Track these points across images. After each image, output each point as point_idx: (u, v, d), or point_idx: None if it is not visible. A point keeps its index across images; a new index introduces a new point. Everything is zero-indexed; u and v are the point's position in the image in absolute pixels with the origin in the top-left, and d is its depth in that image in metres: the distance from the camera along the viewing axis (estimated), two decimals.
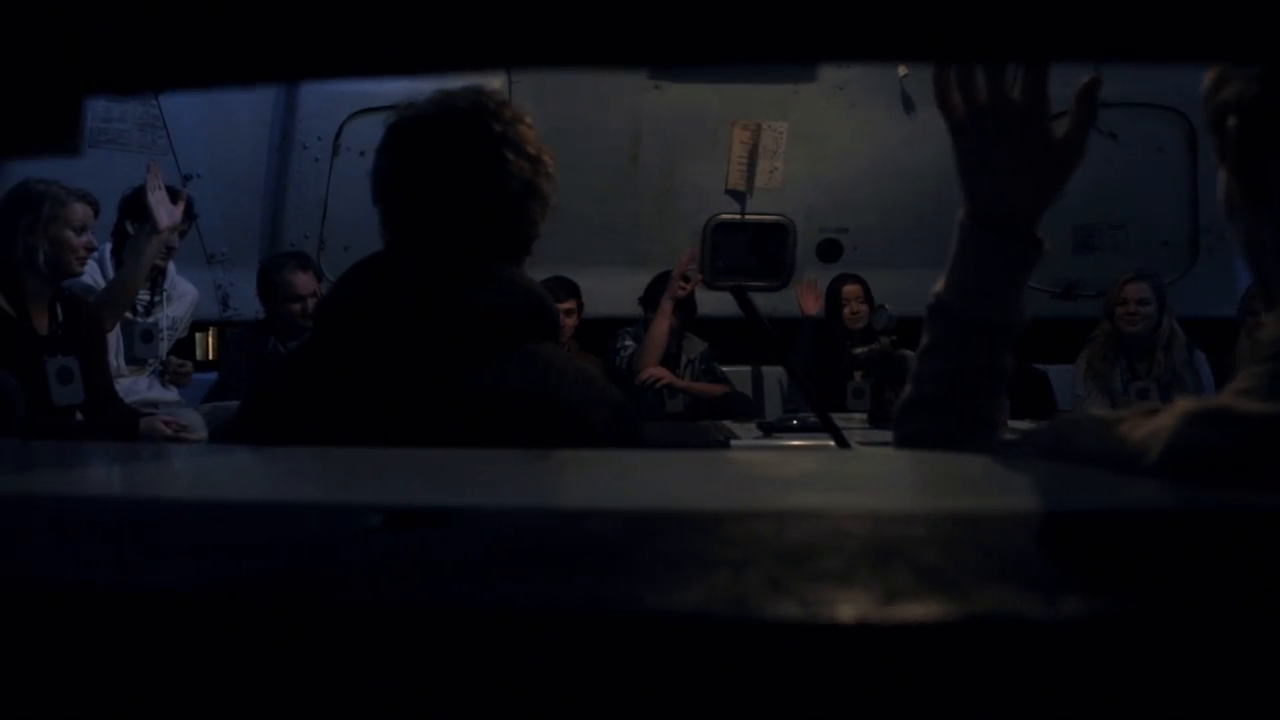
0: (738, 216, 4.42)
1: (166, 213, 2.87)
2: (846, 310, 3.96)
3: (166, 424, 2.47)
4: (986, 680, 0.29)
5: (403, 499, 0.50)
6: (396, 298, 0.99)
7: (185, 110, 3.68)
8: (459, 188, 1.03)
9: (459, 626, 0.31)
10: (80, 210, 2.53)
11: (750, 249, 4.52)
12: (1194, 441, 0.57)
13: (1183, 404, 0.63)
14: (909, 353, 2.88)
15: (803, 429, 2.69)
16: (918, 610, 0.31)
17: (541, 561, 0.37)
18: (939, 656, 0.30)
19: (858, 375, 3.74)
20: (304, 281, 3.48)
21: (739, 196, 4.38)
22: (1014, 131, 0.78)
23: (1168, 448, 0.58)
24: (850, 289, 4.01)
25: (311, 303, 3.48)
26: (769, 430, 2.68)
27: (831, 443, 2.20)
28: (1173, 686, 0.29)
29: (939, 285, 0.82)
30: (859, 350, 3.00)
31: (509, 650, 0.31)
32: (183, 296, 3.51)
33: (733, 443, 2.56)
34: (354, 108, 3.87)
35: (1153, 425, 0.61)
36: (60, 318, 2.52)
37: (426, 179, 1.03)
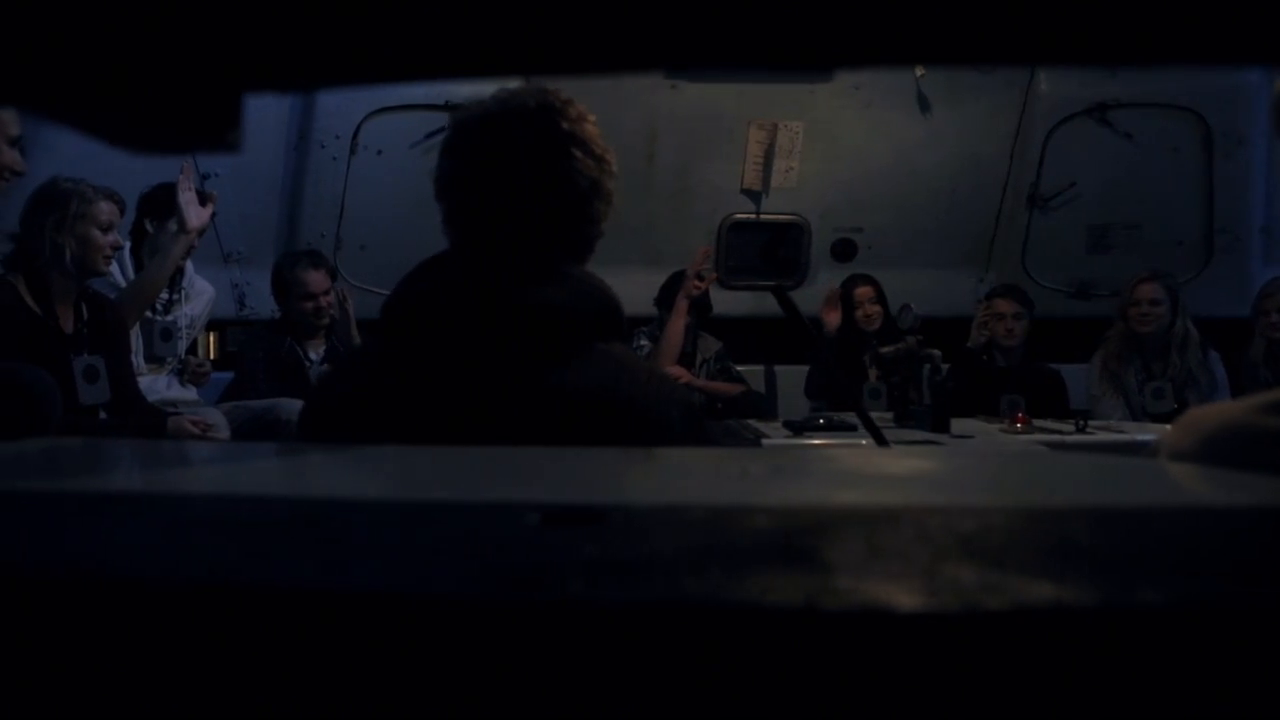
0: (752, 216, 4.42)
1: (195, 214, 2.88)
2: (859, 313, 3.97)
3: (194, 423, 2.47)
4: (1213, 664, 0.30)
5: (544, 497, 0.50)
6: (467, 297, 0.99)
7: None
8: (527, 186, 1.03)
9: (676, 622, 0.31)
10: (107, 209, 2.53)
11: (765, 248, 4.52)
12: None
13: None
14: (936, 351, 2.89)
15: (829, 428, 2.69)
16: (1143, 598, 0.31)
17: (729, 558, 0.37)
18: (1171, 642, 0.30)
19: (873, 375, 3.75)
20: (317, 279, 3.48)
21: (754, 196, 4.39)
22: None
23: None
24: (862, 290, 4.01)
25: (324, 300, 3.48)
26: (798, 429, 2.68)
27: (863, 441, 2.19)
28: None
29: None
30: (885, 349, 3.00)
31: (729, 646, 0.31)
32: (200, 295, 3.51)
33: (764, 441, 2.56)
34: (371, 107, 3.88)
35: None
36: (85, 316, 2.52)
37: (494, 177, 1.03)
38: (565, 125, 1.03)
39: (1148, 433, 2.97)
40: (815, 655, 0.30)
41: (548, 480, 0.55)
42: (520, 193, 1.03)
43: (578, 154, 1.03)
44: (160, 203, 3.25)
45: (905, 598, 0.32)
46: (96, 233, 2.49)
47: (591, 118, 1.08)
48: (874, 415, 3.16)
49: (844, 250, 4.50)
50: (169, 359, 3.29)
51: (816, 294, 4.20)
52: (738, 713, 0.30)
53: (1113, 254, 4.38)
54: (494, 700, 0.31)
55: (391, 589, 0.33)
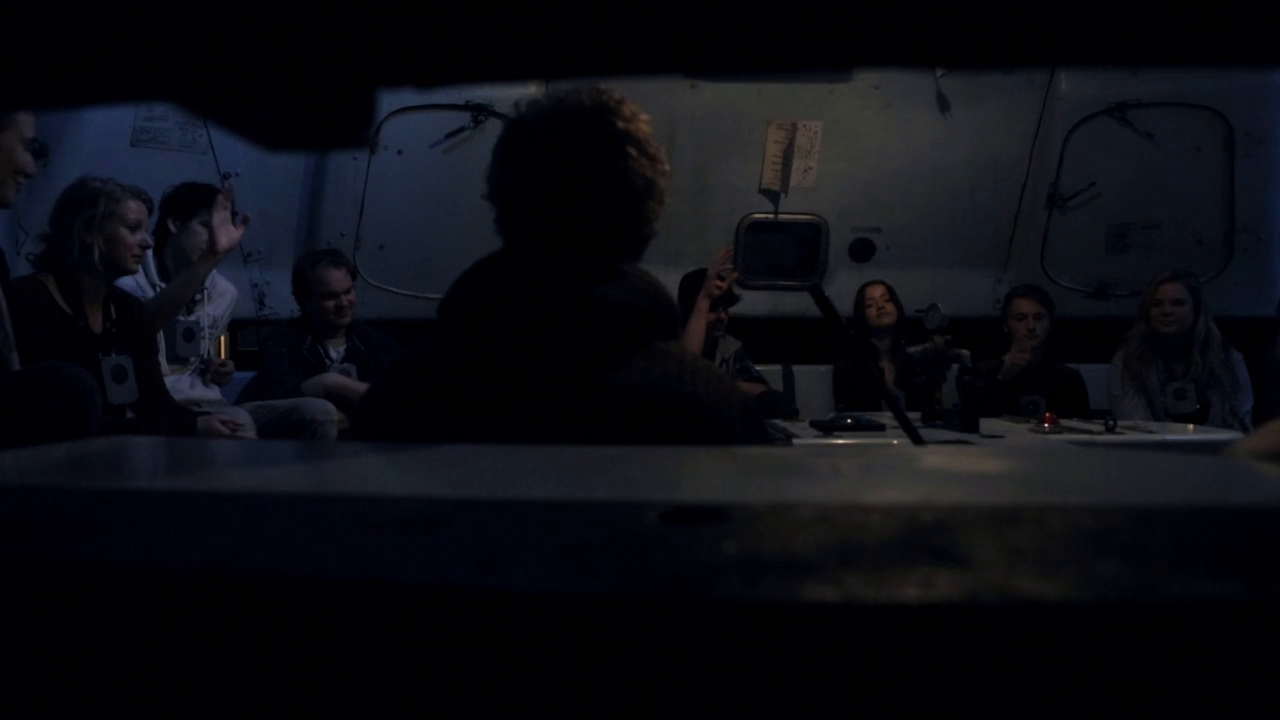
0: (771, 216, 4.42)
1: (226, 235, 2.87)
2: (872, 310, 4.04)
3: (224, 423, 2.47)
4: None
5: (656, 496, 0.50)
6: (528, 295, 0.99)
7: None
8: (582, 185, 1.03)
9: (844, 620, 0.32)
10: (135, 207, 2.54)
11: (783, 248, 4.52)
12: None
13: None
14: (965, 351, 2.88)
15: (857, 427, 2.69)
16: None
17: (871, 556, 0.37)
18: None
19: (891, 382, 3.77)
20: (338, 278, 3.49)
21: (772, 196, 4.39)
22: None
23: None
24: (873, 290, 4.10)
25: (345, 299, 3.49)
26: (827, 429, 2.68)
27: (894, 440, 2.19)
28: None
29: None
30: (913, 349, 2.99)
31: (900, 642, 0.31)
32: (223, 295, 3.53)
33: (794, 441, 2.56)
34: (392, 107, 3.88)
35: None
36: (114, 316, 2.53)
37: (549, 176, 1.04)
38: (620, 124, 1.04)
39: (1171, 432, 2.97)
40: (984, 649, 0.30)
41: (646, 479, 0.55)
42: (575, 192, 1.03)
43: (632, 152, 1.03)
44: (184, 203, 3.27)
45: (1066, 593, 0.32)
46: (125, 231, 2.50)
47: (645, 117, 1.09)
48: (888, 416, 3.17)
49: (862, 250, 4.50)
50: (191, 359, 3.30)
51: (835, 294, 4.20)
52: (915, 709, 0.30)
53: (1132, 254, 4.37)
54: (655, 699, 0.31)
55: (534, 588, 0.33)
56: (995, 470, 0.62)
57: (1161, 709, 0.30)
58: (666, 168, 1.09)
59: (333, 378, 3.34)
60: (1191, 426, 3.19)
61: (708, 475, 0.55)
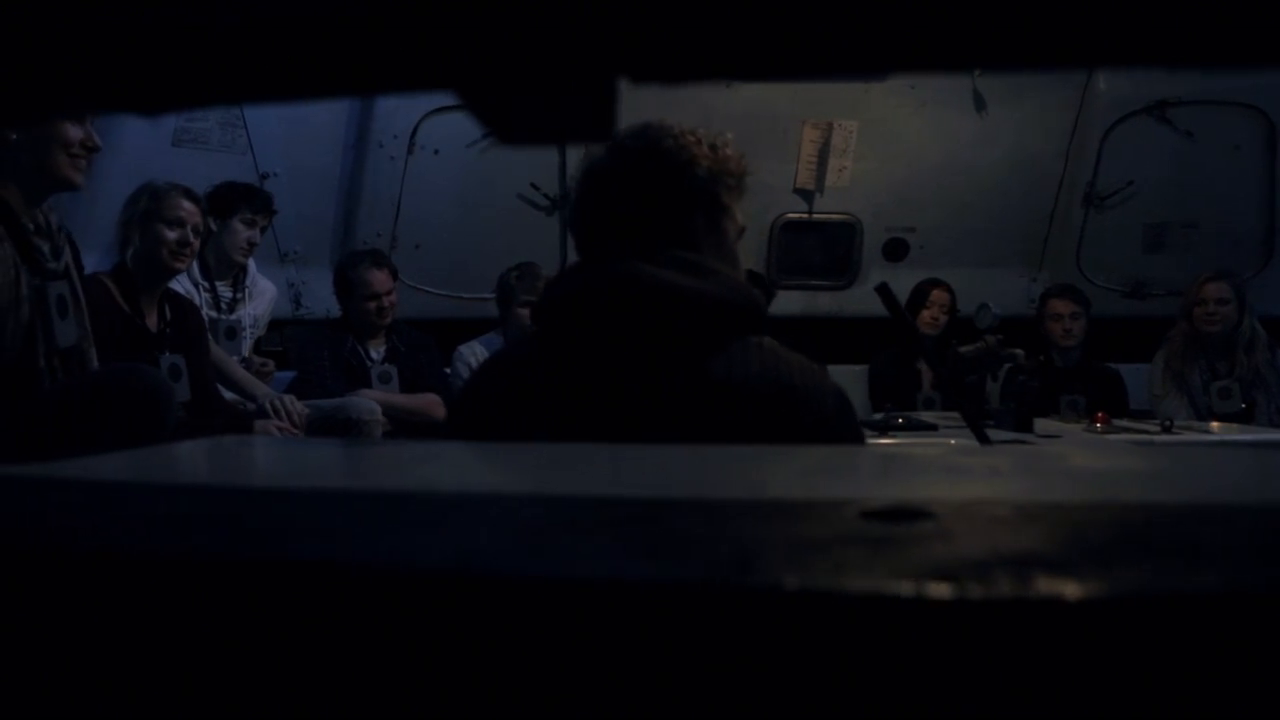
0: (805, 215, 4.41)
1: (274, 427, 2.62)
2: (928, 314, 3.93)
3: (279, 428, 2.48)
4: None
5: (847, 494, 0.50)
6: (617, 290, 1.01)
7: (264, 109, 3.71)
8: (632, 197, 1.09)
9: (1106, 616, 0.32)
10: (177, 205, 2.54)
11: (817, 248, 4.51)
12: None
13: None
14: (1019, 351, 2.88)
15: (909, 428, 2.69)
16: None
17: (1101, 552, 0.37)
18: None
19: (927, 384, 3.75)
20: (380, 279, 3.49)
21: (807, 195, 4.38)
22: None
23: None
24: (940, 293, 3.97)
25: (387, 300, 3.49)
26: (881, 429, 2.68)
27: (951, 440, 2.18)
28: None
29: None
30: (965, 349, 2.99)
31: (1165, 635, 0.31)
32: (263, 294, 3.55)
33: None
34: (430, 106, 3.89)
35: None
36: (169, 316, 2.55)
37: (608, 192, 1.10)
38: (668, 142, 1.08)
39: (1216, 433, 2.95)
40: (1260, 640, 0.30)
41: (813, 478, 0.55)
42: (625, 204, 1.09)
43: (668, 167, 1.07)
44: (224, 201, 3.28)
45: None
46: (163, 228, 2.48)
47: (695, 135, 1.12)
48: (934, 417, 3.18)
49: (896, 250, 4.48)
50: (233, 357, 3.32)
51: (866, 294, 4.18)
52: (1197, 697, 0.30)
53: (1169, 253, 4.34)
54: (933, 696, 0.31)
55: (800, 588, 0.33)
56: (1150, 470, 0.62)
57: None
58: (730, 179, 1.12)
59: (372, 394, 3.34)
60: (1236, 426, 3.17)
61: (871, 474, 0.55)
